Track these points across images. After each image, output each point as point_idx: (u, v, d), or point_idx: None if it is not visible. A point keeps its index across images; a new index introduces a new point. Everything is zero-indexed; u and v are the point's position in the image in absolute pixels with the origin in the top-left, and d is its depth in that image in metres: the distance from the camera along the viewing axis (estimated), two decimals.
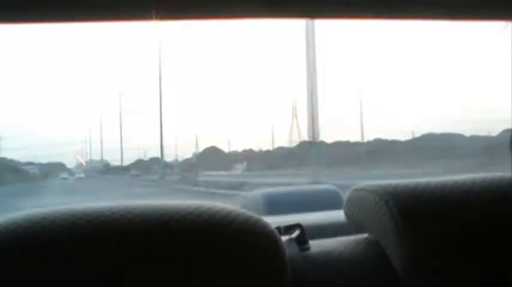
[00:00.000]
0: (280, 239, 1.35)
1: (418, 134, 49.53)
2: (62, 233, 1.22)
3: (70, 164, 79.74)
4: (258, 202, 6.67)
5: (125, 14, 1.46)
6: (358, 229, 1.70)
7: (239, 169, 76.90)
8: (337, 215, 1.94)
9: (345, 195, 1.78)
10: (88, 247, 1.21)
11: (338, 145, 57.58)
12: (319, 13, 1.63)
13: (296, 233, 1.61)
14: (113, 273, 1.21)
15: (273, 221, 1.49)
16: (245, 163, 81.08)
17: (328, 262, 1.58)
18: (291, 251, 1.50)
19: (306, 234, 1.61)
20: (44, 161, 67.53)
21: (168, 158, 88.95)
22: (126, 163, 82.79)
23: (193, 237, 1.29)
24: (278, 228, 1.50)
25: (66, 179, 61.25)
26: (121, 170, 74.24)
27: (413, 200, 1.60)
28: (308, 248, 1.59)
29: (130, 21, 1.47)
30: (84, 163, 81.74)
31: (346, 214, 1.75)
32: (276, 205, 6.30)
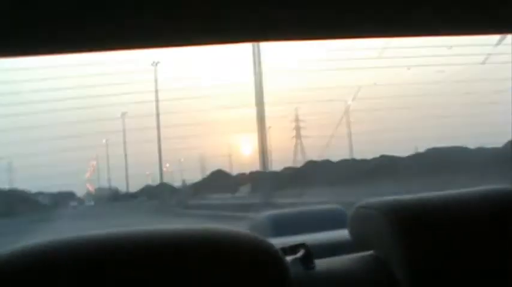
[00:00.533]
0: (284, 259, 1.36)
1: (421, 149, 49.74)
2: (68, 260, 1.22)
3: (80, 192, 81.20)
4: (265, 224, 7.13)
5: (124, 43, 1.48)
6: (363, 247, 1.69)
7: (243, 191, 78.12)
8: (343, 234, 1.90)
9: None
10: (94, 273, 1.22)
11: (344, 162, 57.77)
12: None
13: (301, 252, 1.61)
14: None
15: (279, 242, 1.50)
16: (249, 185, 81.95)
17: (334, 280, 1.58)
18: (296, 270, 1.52)
19: (311, 253, 1.60)
20: (54, 190, 68.48)
21: (177, 182, 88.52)
22: (136, 188, 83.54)
23: (196, 259, 1.29)
24: (283, 248, 1.51)
25: (75, 207, 61.34)
26: (128, 197, 75.78)
27: (417, 216, 1.60)
28: (313, 267, 1.59)
29: (130, 50, 1.49)
30: (94, 191, 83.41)
31: (350, 232, 1.74)
32: (283, 227, 6.64)
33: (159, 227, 1.33)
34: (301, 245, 1.63)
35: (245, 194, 67.36)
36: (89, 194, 79.17)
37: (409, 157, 49.79)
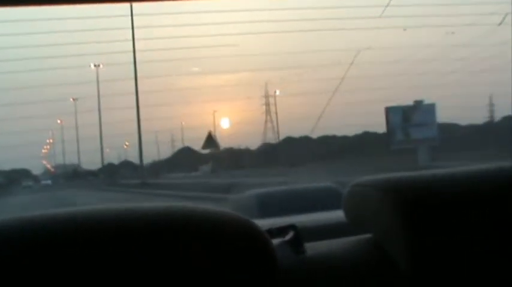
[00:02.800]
0: (270, 242, 1.28)
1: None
2: (36, 238, 1.16)
3: (37, 169, 78.89)
4: (251, 203, 6.67)
5: None
6: (359, 230, 1.59)
7: (203, 170, 76.43)
8: (337, 215, 1.86)
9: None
10: (55, 252, 1.15)
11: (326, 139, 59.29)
12: None
13: (290, 235, 1.51)
14: (89, 278, 1.15)
15: (266, 223, 1.44)
16: (210, 163, 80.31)
17: (326, 266, 1.48)
18: (284, 255, 1.43)
19: (301, 236, 1.51)
20: (7, 167, 66.30)
21: (146, 159, 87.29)
22: (97, 165, 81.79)
23: (171, 241, 1.20)
24: (270, 230, 1.42)
25: (30, 187, 58.49)
26: (89, 175, 73.88)
27: (419, 194, 1.49)
28: (303, 252, 1.49)
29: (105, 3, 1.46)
30: (52, 169, 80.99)
31: (345, 212, 1.63)
32: (270, 207, 6.22)
33: (131, 205, 1.25)
34: (290, 227, 1.52)
35: (204, 173, 67.43)
36: (45, 172, 76.76)
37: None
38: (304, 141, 71.56)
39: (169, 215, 1.24)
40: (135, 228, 1.20)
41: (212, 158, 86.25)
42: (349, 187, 1.60)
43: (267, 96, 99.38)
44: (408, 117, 46.00)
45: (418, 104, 47.01)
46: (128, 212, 1.23)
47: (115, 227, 1.19)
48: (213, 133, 70.70)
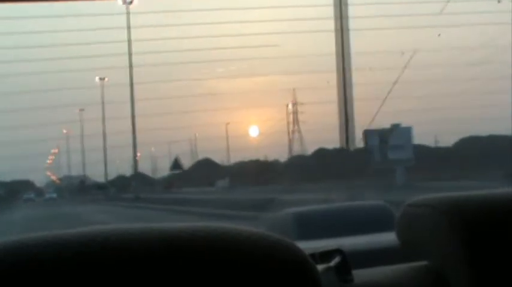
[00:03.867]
0: (315, 268, 1.18)
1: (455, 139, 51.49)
2: (55, 258, 1.08)
3: (41, 181, 74.74)
4: (289, 223, 6.13)
5: None
6: (414, 255, 1.48)
7: (221, 185, 72.80)
8: (388, 239, 1.77)
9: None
10: (83, 274, 1.07)
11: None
12: None
13: (336, 260, 1.43)
14: None
15: (307, 246, 1.33)
16: (227, 179, 76.18)
17: None
18: (329, 283, 1.36)
19: (348, 262, 1.42)
20: (8, 178, 62.37)
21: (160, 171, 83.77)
22: (114, 174, 77.74)
23: (201, 265, 1.10)
24: (313, 255, 1.36)
25: (32, 200, 55.78)
26: (97, 188, 69.77)
27: (483, 215, 1.36)
28: (351, 280, 1.42)
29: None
30: (58, 180, 76.75)
31: (398, 236, 1.51)
32: (311, 227, 5.81)
33: (151, 225, 1.17)
34: (336, 251, 1.45)
35: (219, 189, 67.15)
36: (50, 183, 72.19)
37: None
38: (340, 154, 67.67)
39: (202, 236, 1.13)
40: (164, 251, 1.09)
41: (232, 172, 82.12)
42: (403, 207, 1.49)
43: (295, 103, 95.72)
44: (385, 140, 49.58)
45: (395, 127, 50.31)
46: (155, 232, 1.12)
47: (138, 250, 1.09)
48: (178, 158, 74.70)
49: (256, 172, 71.87)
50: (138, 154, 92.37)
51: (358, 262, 1.45)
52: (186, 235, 1.11)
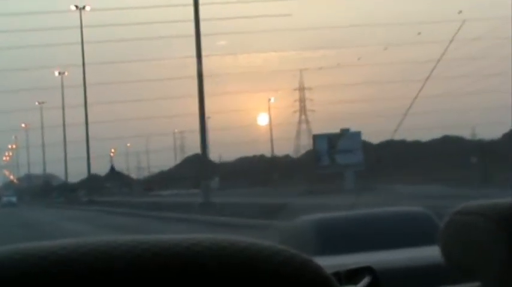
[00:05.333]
0: None
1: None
2: (55, 270, 1.00)
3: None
4: (307, 234, 5.10)
5: None
6: (463, 273, 1.27)
7: (208, 186, 67.73)
8: (429, 254, 1.67)
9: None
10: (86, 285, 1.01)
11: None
12: None
13: (365, 280, 1.24)
14: None
15: (331, 263, 1.33)
16: (217, 179, 71.52)
17: None
18: None
19: (380, 282, 1.23)
20: None
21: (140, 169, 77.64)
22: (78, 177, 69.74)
23: (200, 279, 1.00)
24: (337, 273, 1.21)
25: None
26: (65, 191, 61.32)
27: None
28: None
29: None
30: (16, 180, 67.81)
31: (442, 250, 1.31)
32: (334, 239, 4.86)
33: (157, 236, 1.07)
34: (366, 270, 1.27)
35: (205, 191, 56.67)
36: (7, 185, 63.23)
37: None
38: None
39: (206, 250, 1.02)
40: (166, 266, 1.00)
41: (226, 171, 74.78)
42: (449, 216, 1.31)
43: (301, 89, 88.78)
44: (334, 144, 50.73)
45: (345, 131, 51.84)
46: (157, 245, 1.03)
47: (146, 264, 1.01)
48: (114, 166, 69.67)
49: (261, 170, 65.52)
50: (112, 150, 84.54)
51: (393, 283, 1.36)
52: (191, 249, 1.00)
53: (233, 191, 57.14)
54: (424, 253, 3.21)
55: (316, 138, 51.90)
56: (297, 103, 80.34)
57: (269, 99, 79.53)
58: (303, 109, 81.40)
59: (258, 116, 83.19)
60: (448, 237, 1.27)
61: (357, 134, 50.51)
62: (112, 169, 66.39)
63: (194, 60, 37.60)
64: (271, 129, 79.11)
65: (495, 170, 40.22)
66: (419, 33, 66.40)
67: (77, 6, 60.29)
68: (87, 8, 61.49)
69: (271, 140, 77.41)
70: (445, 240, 1.28)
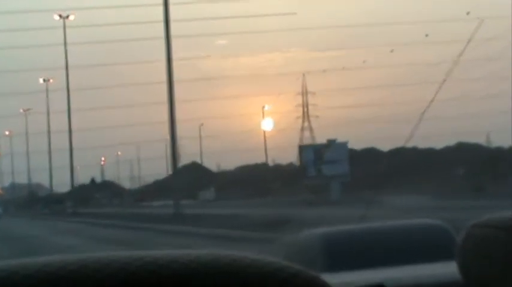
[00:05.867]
0: None
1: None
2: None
3: None
4: (314, 248, 4.85)
5: None
6: None
7: (204, 197, 69.74)
8: (446, 270, 1.61)
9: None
10: None
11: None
12: None
13: None
14: None
15: (339, 280, 1.49)
16: (212, 189, 71.22)
17: None
18: None
19: None
20: None
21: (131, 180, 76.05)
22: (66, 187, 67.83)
23: None
24: None
25: None
26: (52, 202, 59.38)
27: None
28: None
29: None
30: (0, 190, 66.05)
31: (460, 267, 1.27)
32: (343, 254, 4.69)
33: (151, 252, 1.05)
34: None
35: (201, 202, 63.66)
36: None
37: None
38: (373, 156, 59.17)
39: (207, 267, 0.99)
40: (168, 280, 0.97)
41: (225, 180, 73.00)
42: (467, 229, 1.26)
43: (304, 93, 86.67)
44: (320, 155, 50.92)
45: (331, 142, 52.31)
46: (153, 262, 1.00)
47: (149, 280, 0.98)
48: (95, 178, 64.65)
49: (261, 179, 63.67)
50: (103, 158, 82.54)
51: None
52: (196, 265, 0.97)
53: (228, 202, 55.61)
54: (440, 270, 3.16)
55: (302, 149, 52.47)
56: (300, 108, 78.39)
57: (263, 107, 77.34)
58: (306, 115, 79.31)
59: (261, 122, 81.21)
60: (466, 252, 1.21)
61: (343, 145, 51.33)
62: (92, 181, 64.67)
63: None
64: (264, 137, 76.88)
65: (489, 180, 39.98)
66: (426, 35, 63.91)
67: (60, 16, 60.44)
68: (71, 17, 61.75)
69: (265, 149, 75.39)
70: (462, 255, 1.21)
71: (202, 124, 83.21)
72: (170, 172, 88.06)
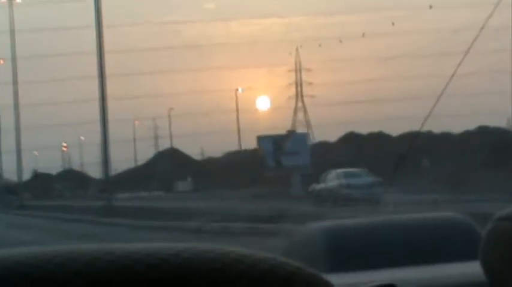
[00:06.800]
0: None
1: None
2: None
3: None
4: (316, 245, 4.59)
5: None
6: None
7: (181, 188, 62.88)
8: (469, 270, 1.57)
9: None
10: None
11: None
12: None
13: None
14: None
15: (345, 281, 1.58)
16: (189, 180, 64.98)
17: None
18: None
19: None
20: None
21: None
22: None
23: None
24: None
25: None
26: (3, 193, 55.85)
27: None
28: None
29: None
30: None
31: (484, 263, 1.19)
32: (349, 252, 4.43)
33: (135, 245, 1.01)
34: None
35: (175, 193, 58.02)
36: None
37: None
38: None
39: (189, 258, 0.94)
40: (154, 274, 0.93)
41: (204, 169, 68.19)
42: (492, 222, 1.18)
43: (298, 70, 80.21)
44: (280, 146, 49.18)
45: (290, 133, 51.50)
46: (128, 256, 0.96)
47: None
48: (38, 172, 57.24)
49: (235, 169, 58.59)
50: (64, 144, 76.75)
51: None
52: (189, 260, 0.92)
53: (206, 194, 51.13)
54: (460, 269, 2.95)
55: (260, 139, 51.51)
56: (293, 87, 71.69)
57: (236, 90, 70.83)
58: (299, 95, 72.74)
59: (256, 99, 74.40)
60: (490, 248, 1.12)
61: (303, 135, 50.81)
62: (34, 175, 60.06)
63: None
64: (238, 122, 70.11)
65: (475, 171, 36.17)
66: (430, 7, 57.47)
67: None
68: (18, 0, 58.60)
69: (239, 133, 68.68)
70: (487, 251, 1.12)
71: (171, 108, 75.91)
72: (149, 158, 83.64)
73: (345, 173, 36.43)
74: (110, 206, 40.99)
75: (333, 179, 37.26)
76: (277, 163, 48.27)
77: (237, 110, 70.49)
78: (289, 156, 47.70)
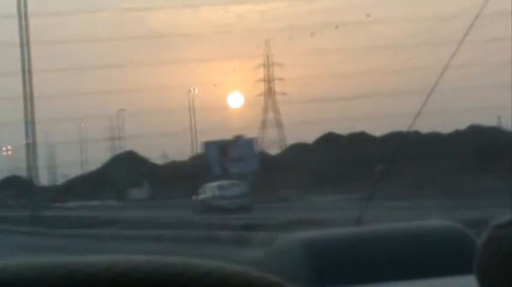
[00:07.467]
0: None
1: None
2: None
3: None
4: (296, 256, 4.43)
5: None
6: None
7: (135, 195, 59.98)
8: (463, 285, 1.58)
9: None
10: None
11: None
12: None
13: None
14: None
15: None
16: (146, 186, 62.90)
17: None
18: None
19: None
20: None
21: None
22: None
23: None
24: None
25: None
26: None
27: None
28: None
29: None
30: None
31: (480, 276, 1.13)
32: (332, 265, 4.23)
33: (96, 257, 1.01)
34: None
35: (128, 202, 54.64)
36: None
37: None
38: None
39: (158, 272, 0.90)
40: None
41: (166, 174, 65.47)
42: (489, 231, 1.12)
43: (267, 65, 76.25)
44: (225, 152, 49.20)
45: (237, 139, 51.15)
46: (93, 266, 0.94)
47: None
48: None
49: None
50: (8, 147, 72.09)
51: None
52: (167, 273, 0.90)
53: (163, 202, 47.91)
54: (454, 284, 2.88)
55: (206, 146, 51.23)
56: (261, 84, 67.64)
57: (190, 90, 67.23)
58: (270, 92, 68.80)
59: (228, 95, 70.39)
60: (487, 260, 1.04)
61: (250, 141, 50.49)
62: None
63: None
64: (191, 121, 66.21)
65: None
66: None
67: None
68: None
69: (192, 133, 64.56)
70: (483, 263, 1.05)
71: (124, 110, 71.61)
72: (105, 162, 79.29)
73: (218, 186, 41.48)
74: (38, 216, 39.64)
75: (208, 191, 42.13)
76: (224, 170, 47.79)
77: (192, 109, 67.00)
78: (236, 162, 47.48)
